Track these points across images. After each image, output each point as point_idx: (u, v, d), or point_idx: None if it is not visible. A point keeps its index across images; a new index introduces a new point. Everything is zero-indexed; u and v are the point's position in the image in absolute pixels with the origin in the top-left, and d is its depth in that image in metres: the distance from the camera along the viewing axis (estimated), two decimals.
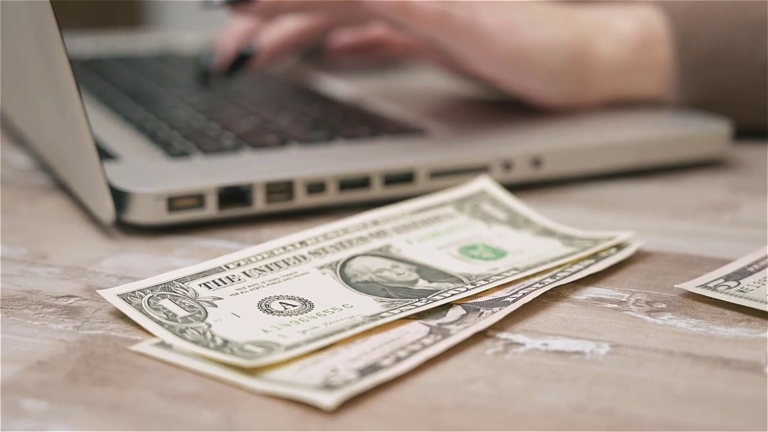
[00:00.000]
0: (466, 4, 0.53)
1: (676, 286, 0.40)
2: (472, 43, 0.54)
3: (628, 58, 0.58)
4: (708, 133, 0.57)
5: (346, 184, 0.49)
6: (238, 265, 0.40)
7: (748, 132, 0.60)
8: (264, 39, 0.63)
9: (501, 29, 0.54)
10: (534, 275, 0.41)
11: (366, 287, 0.40)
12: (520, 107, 0.60)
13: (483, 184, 0.49)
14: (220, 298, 0.38)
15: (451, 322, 0.37)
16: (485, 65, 0.55)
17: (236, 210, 0.47)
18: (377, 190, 0.50)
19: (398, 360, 0.34)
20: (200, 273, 0.40)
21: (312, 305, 0.38)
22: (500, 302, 0.38)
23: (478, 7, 0.53)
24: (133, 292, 0.38)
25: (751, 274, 0.41)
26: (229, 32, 0.66)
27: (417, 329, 0.37)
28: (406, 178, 0.50)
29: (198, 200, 0.47)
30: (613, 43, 0.58)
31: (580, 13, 0.58)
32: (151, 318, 0.37)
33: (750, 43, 0.58)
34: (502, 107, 0.60)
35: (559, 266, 0.42)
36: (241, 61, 0.64)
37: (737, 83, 0.59)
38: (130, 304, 0.37)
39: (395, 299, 0.39)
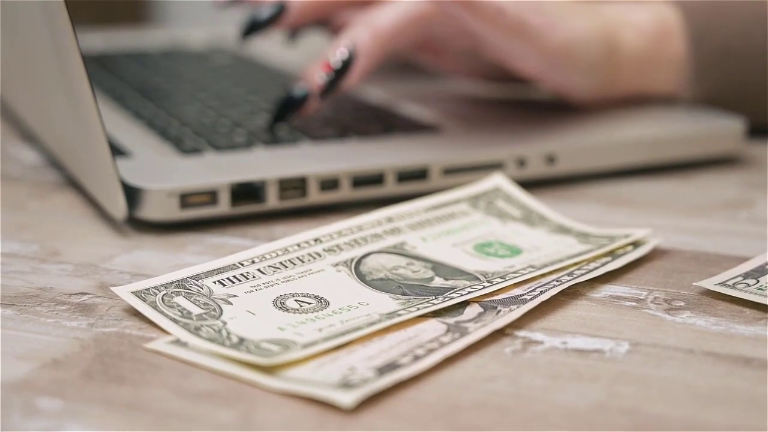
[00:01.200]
0: (515, 2, 0.52)
1: (694, 284, 0.40)
2: (522, 41, 0.53)
3: (647, 50, 0.58)
4: (722, 129, 0.56)
5: (359, 181, 0.49)
6: (253, 262, 0.40)
7: (762, 129, 0.59)
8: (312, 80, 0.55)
9: (546, 26, 0.53)
10: (551, 273, 0.41)
11: (382, 285, 0.40)
12: (535, 105, 0.59)
13: (497, 181, 0.48)
14: (235, 296, 0.38)
15: (469, 320, 0.37)
16: (531, 63, 0.55)
17: (249, 207, 0.47)
18: (391, 187, 0.49)
19: (416, 358, 0.34)
20: (214, 270, 0.39)
21: (328, 303, 0.38)
22: (518, 300, 0.38)
23: (525, 5, 0.53)
24: (147, 289, 0.38)
25: None
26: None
27: (434, 327, 0.36)
28: (420, 174, 0.50)
29: (211, 197, 0.46)
30: (633, 36, 0.57)
31: (600, 7, 0.57)
32: (166, 315, 0.36)
33: (764, 39, 0.58)
34: (515, 105, 0.60)
35: (576, 264, 0.41)
36: (290, 107, 0.54)
37: (752, 79, 0.58)
38: (144, 301, 0.37)
39: (411, 297, 0.39)
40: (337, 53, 0.53)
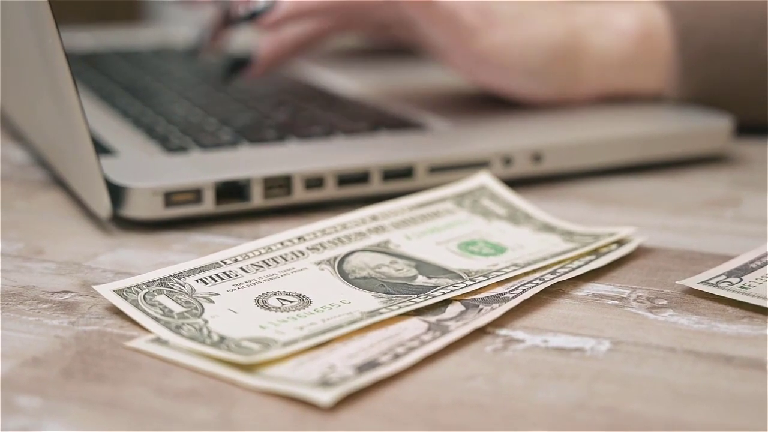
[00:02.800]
0: None
1: (677, 282, 0.40)
2: (449, 36, 0.54)
3: (626, 52, 0.58)
4: (710, 128, 0.56)
5: (344, 179, 0.49)
6: (236, 260, 0.40)
7: (749, 127, 0.59)
8: (261, 46, 0.61)
9: (481, 24, 0.54)
10: (534, 271, 0.41)
11: (364, 283, 0.40)
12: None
13: (483, 179, 0.48)
14: (217, 294, 0.38)
15: (450, 319, 0.37)
16: (459, 60, 0.55)
17: (234, 205, 0.47)
18: (376, 185, 0.49)
19: (396, 357, 0.34)
20: (197, 268, 0.39)
21: (310, 301, 0.38)
22: (500, 298, 0.38)
23: (467, 4, 0.53)
24: (129, 287, 0.38)
25: (753, 270, 0.41)
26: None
27: (415, 326, 0.36)
28: (406, 173, 0.50)
29: (195, 195, 0.46)
30: (610, 37, 0.57)
31: (578, 7, 0.57)
32: (147, 314, 0.36)
33: (751, 38, 0.58)
34: (502, 102, 0.60)
35: (560, 262, 0.41)
36: (236, 67, 0.62)
37: (739, 78, 0.58)
38: (126, 299, 0.37)
39: (394, 295, 0.39)
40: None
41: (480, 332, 0.36)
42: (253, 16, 0.54)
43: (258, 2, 0.56)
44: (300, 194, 0.48)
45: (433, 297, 0.38)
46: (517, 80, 0.56)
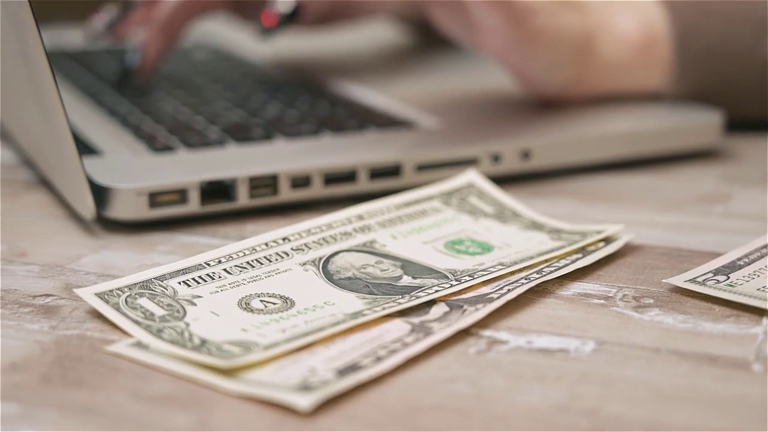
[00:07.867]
0: None
1: (664, 280, 0.40)
2: (500, 17, 0.53)
3: (627, 58, 0.57)
4: (700, 123, 0.56)
5: (331, 178, 0.48)
6: (219, 262, 0.40)
7: (743, 124, 0.59)
8: (148, 46, 0.63)
9: (527, 11, 0.53)
10: (520, 270, 0.40)
11: (349, 284, 0.39)
12: (511, 99, 0.59)
13: (471, 177, 0.48)
14: (200, 297, 0.38)
15: (434, 320, 0.36)
16: (500, 40, 0.54)
17: (219, 205, 0.47)
18: (363, 184, 0.49)
19: (378, 359, 0.33)
20: (180, 270, 0.39)
21: (293, 303, 0.38)
22: (484, 299, 0.38)
23: None
24: (111, 290, 0.37)
25: (740, 267, 0.40)
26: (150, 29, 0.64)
27: (399, 327, 0.36)
28: (393, 171, 0.49)
29: (180, 195, 0.46)
30: (613, 43, 0.57)
31: (589, 5, 0.56)
32: (128, 317, 0.36)
33: (749, 39, 0.57)
34: (491, 99, 0.59)
35: (546, 261, 0.41)
36: (128, 72, 0.63)
37: (733, 77, 0.58)
38: (107, 303, 0.37)
39: (378, 296, 0.38)
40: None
41: (464, 333, 0.36)
42: (293, 16, 0.54)
43: (284, 2, 0.58)
44: (286, 194, 0.48)
45: (417, 298, 0.38)
46: (540, 69, 0.55)
